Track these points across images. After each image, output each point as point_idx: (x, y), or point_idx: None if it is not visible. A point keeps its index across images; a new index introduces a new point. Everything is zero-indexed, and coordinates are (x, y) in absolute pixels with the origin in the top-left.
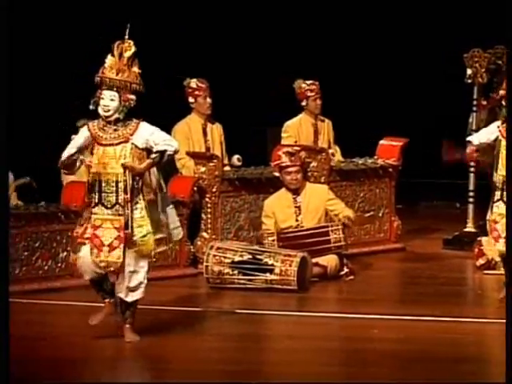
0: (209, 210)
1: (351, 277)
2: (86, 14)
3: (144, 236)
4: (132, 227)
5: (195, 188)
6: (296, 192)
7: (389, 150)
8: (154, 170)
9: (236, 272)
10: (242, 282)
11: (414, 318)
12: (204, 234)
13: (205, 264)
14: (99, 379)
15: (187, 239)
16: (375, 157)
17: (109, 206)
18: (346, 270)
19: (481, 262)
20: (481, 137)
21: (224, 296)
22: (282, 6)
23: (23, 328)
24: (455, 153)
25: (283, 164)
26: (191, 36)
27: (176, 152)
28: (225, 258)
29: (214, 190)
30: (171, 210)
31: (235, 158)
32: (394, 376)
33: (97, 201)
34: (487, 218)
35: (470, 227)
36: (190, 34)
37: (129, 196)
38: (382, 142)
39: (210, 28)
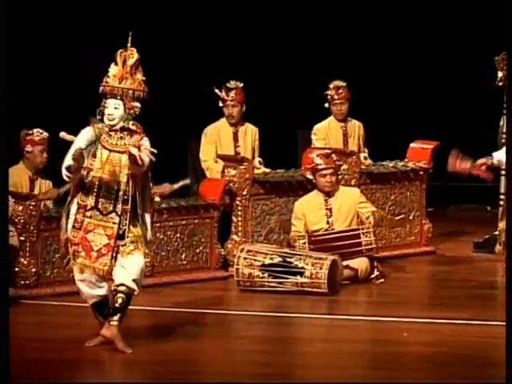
0: (239, 213)
1: (382, 280)
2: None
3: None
4: (127, 237)
5: (226, 191)
6: (328, 194)
7: (419, 152)
8: (150, 184)
9: (266, 275)
10: (273, 284)
11: (445, 321)
12: (234, 237)
13: (235, 267)
14: (128, 380)
15: (218, 242)
16: (406, 160)
17: (104, 212)
18: (376, 272)
19: None
20: (501, 156)
21: (254, 299)
22: (315, 9)
23: (54, 330)
24: (461, 163)
25: (319, 166)
26: (226, 37)
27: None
28: (255, 260)
29: (244, 192)
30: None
31: (256, 160)
32: (425, 379)
33: (93, 205)
34: None
35: None
36: (225, 35)
37: (129, 206)
38: (412, 144)
39: (245, 30)
